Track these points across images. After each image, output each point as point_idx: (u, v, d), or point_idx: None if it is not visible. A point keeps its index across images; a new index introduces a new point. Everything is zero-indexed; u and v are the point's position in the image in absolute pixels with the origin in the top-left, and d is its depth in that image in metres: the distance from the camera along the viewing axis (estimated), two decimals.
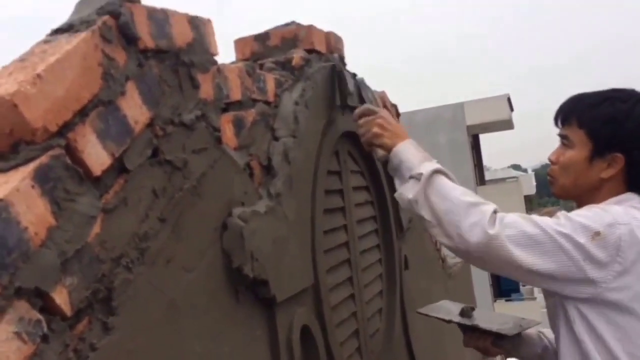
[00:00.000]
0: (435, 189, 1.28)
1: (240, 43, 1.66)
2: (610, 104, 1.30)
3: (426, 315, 1.76)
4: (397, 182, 1.41)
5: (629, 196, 1.29)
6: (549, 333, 1.58)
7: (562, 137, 1.36)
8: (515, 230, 1.18)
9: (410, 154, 1.37)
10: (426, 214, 1.28)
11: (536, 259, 1.16)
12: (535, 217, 1.23)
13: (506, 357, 2.10)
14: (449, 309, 1.76)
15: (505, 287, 18.60)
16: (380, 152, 1.46)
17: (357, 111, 1.54)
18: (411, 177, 1.33)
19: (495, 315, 1.74)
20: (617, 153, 1.28)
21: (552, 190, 1.43)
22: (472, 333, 1.62)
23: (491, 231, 1.18)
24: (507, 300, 16.88)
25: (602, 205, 1.27)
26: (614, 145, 1.28)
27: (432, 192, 1.27)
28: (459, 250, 1.24)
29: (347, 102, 1.67)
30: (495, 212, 1.21)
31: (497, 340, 1.57)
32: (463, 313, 1.67)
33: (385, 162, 1.46)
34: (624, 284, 1.17)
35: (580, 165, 1.31)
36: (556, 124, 1.39)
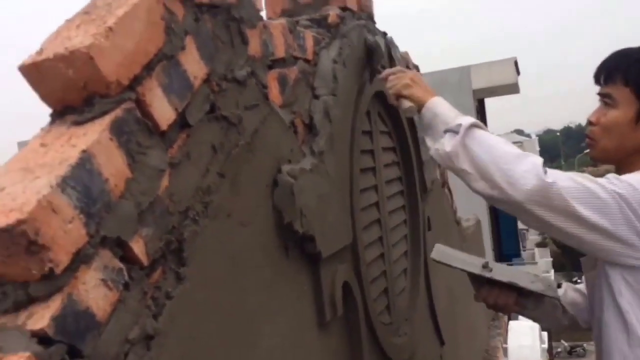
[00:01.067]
0: (477, 140, 1.20)
1: (271, 0, 1.64)
2: None
3: (445, 264, 1.57)
4: (429, 140, 1.32)
5: None
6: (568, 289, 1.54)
7: (605, 95, 1.27)
8: (571, 181, 1.13)
9: (446, 108, 1.30)
10: (468, 167, 1.19)
11: (593, 212, 1.11)
12: (587, 175, 1.18)
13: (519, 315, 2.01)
14: (464, 259, 1.58)
15: (506, 252, 18.77)
16: (407, 104, 1.37)
17: (388, 70, 1.49)
18: (447, 131, 1.24)
19: (518, 271, 1.57)
20: None
21: (590, 154, 1.35)
22: (491, 289, 1.47)
23: (547, 179, 1.11)
24: (508, 265, 17.06)
25: None
26: None
27: (474, 143, 1.19)
28: (509, 200, 1.15)
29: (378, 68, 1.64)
30: (543, 164, 1.15)
31: (520, 298, 1.46)
32: (485, 267, 1.49)
33: (410, 116, 1.40)
34: None
35: (625, 126, 1.24)
36: (597, 81, 1.30)
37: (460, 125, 1.22)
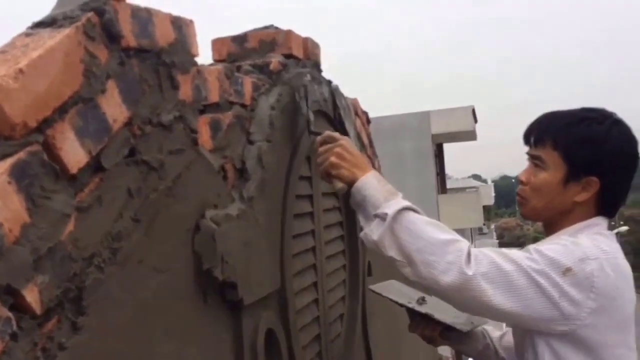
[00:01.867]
0: (405, 226, 1.19)
1: (217, 43, 1.66)
2: (587, 125, 1.25)
3: (379, 294, 1.68)
4: (360, 218, 1.31)
5: (597, 221, 1.28)
6: (492, 332, 1.61)
7: (535, 157, 1.31)
8: (490, 267, 1.15)
9: (374, 189, 1.26)
10: (396, 254, 1.20)
11: (511, 298, 1.14)
12: (507, 251, 1.20)
13: (450, 348, 2.09)
14: (401, 291, 1.69)
15: None
16: (338, 185, 1.34)
17: (318, 138, 1.43)
18: (376, 216, 1.23)
19: (447, 306, 1.68)
20: (592, 177, 1.24)
21: (521, 212, 1.39)
22: (421, 320, 1.57)
23: (468, 271, 1.13)
24: None
25: (569, 232, 1.26)
26: (590, 168, 1.24)
27: (401, 230, 1.19)
28: (432, 289, 1.20)
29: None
30: (469, 249, 1.17)
31: (446, 331, 1.55)
32: (417, 299, 1.61)
33: (345, 194, 1.38)
34: (598, 321, 1.15)
35: (554, 188, 1.27)
36: (527, 142, 1.34)
37: (387, 214, 1.21)
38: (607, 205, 1.29)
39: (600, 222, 1.29)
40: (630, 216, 36.30)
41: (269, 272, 1.31)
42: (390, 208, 1.21)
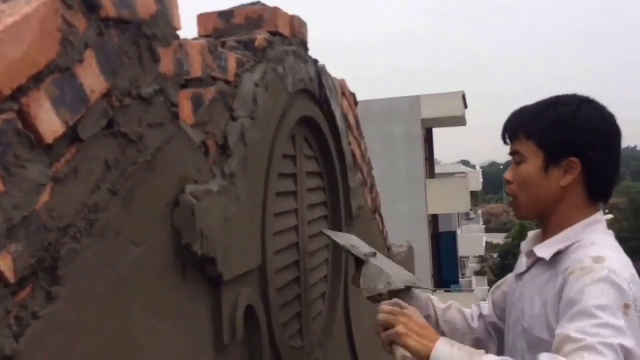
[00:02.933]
0: None
1: (203, 18, 1.64)
2: (554, 109, 1.26)
3: (328, 237, 1.69)
4: None
5: (596, 217, 1.26)
6: (437, 302, 1.56)
7: (513, 153, 1.32)
8: None
9: (451, 356, 1.15)
10: None
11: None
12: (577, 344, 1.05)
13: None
14: (353, 242, 1.66)
15: (445, 278, 19.19)
16: (400, 352, 1.24)
17: (382, 306, 1.35)
18: None
19: (394, 265, 1.63)
20: (571, 157, 1.23)
21: (515, 213, 1.37)
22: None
23: None
24: (446, 291, 17.42)
25: (574, 232, 1.23)
26: (566, 149, 1.23)
27: None
28: None
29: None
30: None
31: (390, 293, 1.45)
32: (368, 254, 1.56)
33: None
34: None
35: (536, 177, 1.26)
36: (505, 141, 1.35)
37: None
38: (596, 186, 1.26)
39: (600, 219, 1.26)
40: (615, 204, 36.75)
41: (249, 249, 1.32)
42: None
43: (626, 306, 1.08)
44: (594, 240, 1.22)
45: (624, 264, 1.17)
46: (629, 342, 1.04)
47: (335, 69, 2.01)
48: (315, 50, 1.90)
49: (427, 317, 1.47)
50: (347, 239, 1.71)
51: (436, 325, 1.50)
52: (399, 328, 1.24)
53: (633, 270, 1.18)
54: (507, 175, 1.34)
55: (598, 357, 1.01)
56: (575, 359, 1.02)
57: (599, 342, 1.03)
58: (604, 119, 1.27)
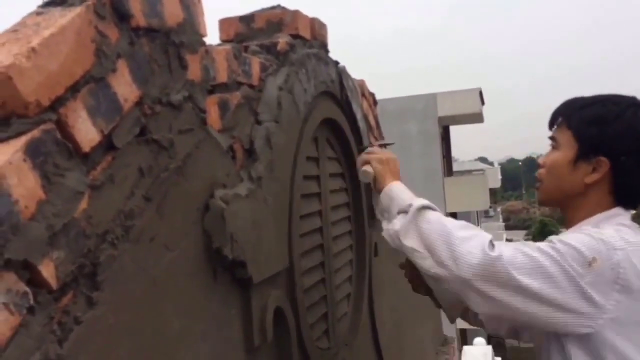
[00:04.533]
0: (427, 219, 1.21)
1: (224, 23, 1.65)
2: (601, 105, 1.24)
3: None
4: (384, 223, 1.34)
5: (617, 211, 1.24)
6: None
7: (551, 139, 1.32)
8: (517, 253, 1.11)
9: (402, 193, 1.33)
10: (417, 245, 1.19)
11: (540, 283, 1.09)
12: (529, 242, 1.17)
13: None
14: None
15: None
16: (367, 170, 1.44)
17: (370, 149, 1.55)
18: (400, 212, 1.27)
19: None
20: (602, 157, 1.21)
21: (538, 197, 1.37)
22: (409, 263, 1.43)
23: (493, 253, 1.10)
24: None
25: (591, 223, 1.22)
26: (599, 147, 1.22)
27: (423, 222, 1.21)
28: (456, 278, 1.13)
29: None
30: (491, 239, 1.14)
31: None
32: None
33: (364, 180, 1.46)
34: (625, 316, 1.10)
35: (564, 167, 1.26)
36: (550, 127, 1.34)
37: (411, 205, 1.25)
38: (622, 191, 1.24)
39: (622, 213, 1.24)
40: None
41: (277, 252, 1.33)
42: (414, 202, 1.26)
43: (593, 259, 1.10)
44: (605, 224, 1.21)
45: (628, 240, 1.14)
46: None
47: (348, 67, 2.02)
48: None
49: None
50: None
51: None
52: (380, 156, 1.46)
53: (637, 243, 1.15)
54: (541, 159, 1.35)
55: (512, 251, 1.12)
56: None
57: (537, 246, 1.13)
58: None
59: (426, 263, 1.18)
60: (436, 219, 1.21)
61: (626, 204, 1.25)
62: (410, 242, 1.21)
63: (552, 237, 1.18)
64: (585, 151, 1.24)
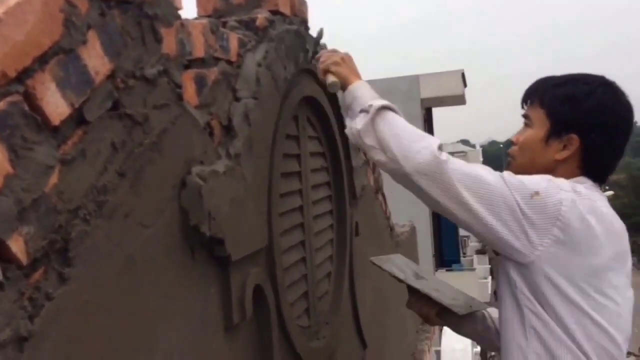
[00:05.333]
0: (385, 118, 1.28)
1: None
2: (573, 84, 1.27)
3: (379, 267, 1.66)
4: (347, 120, 1.41)
5: (580, 179, 1.26)
6: (493, 312, 1.54)
7: (524, 117, 1.34)
8: (464, 166, 1.18)
9: (365, 92, 1.38)
10: (373, 142, 1.27)
11: (478, 201, 1.14)
12: (483, 165, 1.23)
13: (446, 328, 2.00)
14: (401, 266, 1.66)
15: (447, 258, 19.27)
16: (331, 79, 1.46)
17: (322, 50, 1.59)
18: (362, 111, 1.33)
19: (446, 286, 1.65)
20: (572, 134, 1.24)
21: (509, 171, 1.36)
22: (420, 298, 1.53)
23: (441, 157, 1.17)
24: (447, 270, 17.51)
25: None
26: (570, 125, 1.25)
27: (382, 122, 1.28)
28: (402, 172, 1.21)
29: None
30: (441, 145, 1.21)
31: (443, 312, 1.50)
32: (417, 276, 1.59)
33: (333, 91, 1.49)
34: (563, 255, 1.14)
35: (536, 144, 1.29)
36: (522, 105, 1.36)
37: (371, 105, 1.30)
38: (590, 167, 1.27)
39: (585, 181, 1.26)
40: (616, 181, 36.75)
41: (256, 229, 1.32)
42: (375, 102, 1.31)
43: (536, 193, 1.15)
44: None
45: (578, 191, 1.18)
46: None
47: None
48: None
49: (486, 330, 1.51)
50: (394, 264, 1.67)
51: (497, 335, 1.44)
52: (337, 58, 1.47)
53: (595, 204, 1.19)
54: (514, 137, 1.37)
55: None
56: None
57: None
58: (616, 105, 1.27)
59: (380, 157, 1.26)
60: (394, 120, 1.28)
61: (593, 178, 1.28)
62: (369, 140, 1.29)
63: (505, 172, 1.22)
64: (557, 129, 1.26)
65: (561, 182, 1.20)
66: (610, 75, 1.32)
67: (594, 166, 1.27)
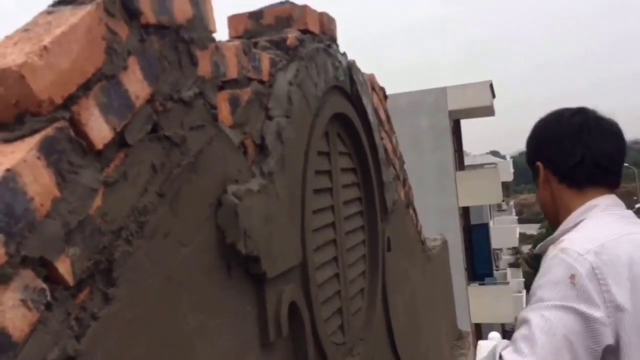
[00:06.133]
0: None
1: (233, 20, 1.65)
2: (533, 129, 1.41)
3: None
4: None
5: (593, 203, 1.27)
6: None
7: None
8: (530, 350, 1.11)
9: None
10: None
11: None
12: (523, 328, 1.15)
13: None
14: None
15: (479, 271, 18.95)
16: None
17: None
18: None
19: None
20: (536, 163, 1.36)
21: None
22: None
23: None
24: (480, 284, 17.20)
25: (571, 221, 1.27)
26: (531, 159, 1.38)
27: None
28: None
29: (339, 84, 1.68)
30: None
31: None
32: None
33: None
34: (623, 318, 1.10)
35: (540, 195, 1.40)
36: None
37: None
38: (563, 176, 1.32)
39: (597, 203, 1.26)
40: None
41: (290, 247, 1.33)
42: None
43: (572, 277, 1.13)
44: (578, 226, 1.26)
45: (588, 237, 1.18)
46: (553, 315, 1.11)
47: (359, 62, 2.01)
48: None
49: None
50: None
51: None
52: None
53: (606, 239, 1.17)
54: None
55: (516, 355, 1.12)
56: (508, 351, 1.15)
57: (520, 335, 1.14)
58: (544, 120, 1.39)
59: None
60: None
61: (577, 184, 1.31)
62: None
63: (531, 294, 1.20)
64: (533, 170, 1.38)
65: (575, 243, 1.18)
66: None
67: (563, 172, 1.32)
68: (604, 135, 1.30)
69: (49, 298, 0.69)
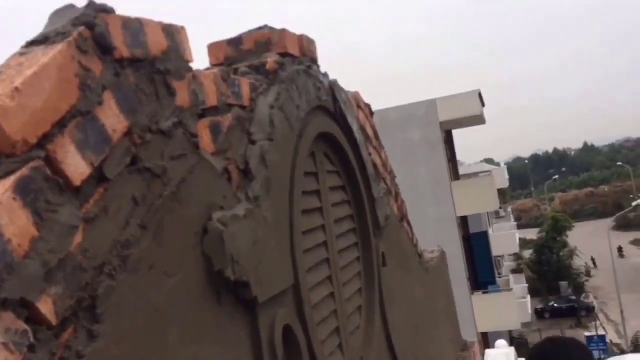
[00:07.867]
0: None
1: (213, 47, 1.67)
2: None
3: None
4: None
5: None
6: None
7: None
8: None
9: None
10: None
11: None
12: None
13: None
14: None
15: (481, 280, 18.87)
16: None
17: None
18: None
19: None
20: None
21: None
22: None
23: None
24: (484, 293, 17.12)
25: None
26: None
27: None
28: None
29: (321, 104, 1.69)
30: None
31: None
32: None
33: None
34: None
35: None
36: None
37: None
38: None
39: None
40: None
41: (281, 269, 1.32)
42: None
43: None
44: None
45: None
46: None
47: (344, 74, 2.03)
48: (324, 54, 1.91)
49: None
50: None
51: None
52: None
53: None
54: None
55: None
56: None
57: None
58: None
59: None
60: None
61: None
62: None
63: None
64: None
65: None
66: None
67: None
68: None
69: (31, 339, 0.69)
